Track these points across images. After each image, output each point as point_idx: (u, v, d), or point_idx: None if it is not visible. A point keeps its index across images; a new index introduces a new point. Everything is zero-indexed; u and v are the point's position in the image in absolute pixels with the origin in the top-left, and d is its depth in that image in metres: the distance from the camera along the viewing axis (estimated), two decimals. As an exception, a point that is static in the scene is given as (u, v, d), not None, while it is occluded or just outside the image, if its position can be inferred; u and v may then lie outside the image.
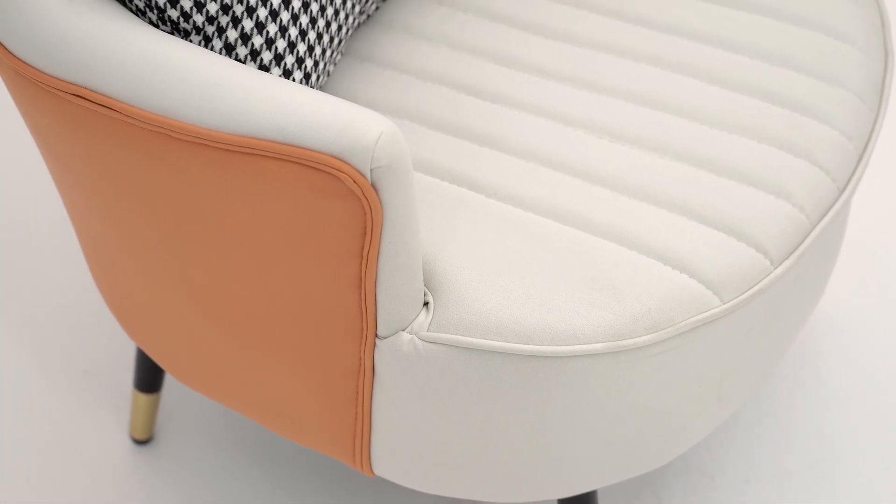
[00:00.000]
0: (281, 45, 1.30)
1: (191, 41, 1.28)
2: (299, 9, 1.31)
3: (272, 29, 1.29)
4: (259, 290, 1.27)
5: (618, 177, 1.34)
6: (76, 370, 1.83)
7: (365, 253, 1.17)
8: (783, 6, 1.53)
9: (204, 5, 1.26)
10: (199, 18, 1.27)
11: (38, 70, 1.23)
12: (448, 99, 1.44)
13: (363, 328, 1.24)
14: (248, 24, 1.28)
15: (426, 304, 1.25)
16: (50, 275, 1.96)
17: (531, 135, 1.39)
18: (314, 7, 1.33)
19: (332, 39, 1.37)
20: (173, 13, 1.27)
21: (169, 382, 1.82)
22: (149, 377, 1.70)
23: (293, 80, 1.32)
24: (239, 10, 1.27)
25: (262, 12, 1.28)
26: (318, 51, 1.34)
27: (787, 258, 1.31)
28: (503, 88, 1.44)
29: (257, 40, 1.29)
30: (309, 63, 1.33)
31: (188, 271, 1.31)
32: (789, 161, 1.36)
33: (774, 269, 1.30)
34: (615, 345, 1.22)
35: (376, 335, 1.25)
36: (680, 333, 1.24)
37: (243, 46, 1.29)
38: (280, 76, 1.30)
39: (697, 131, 1.39)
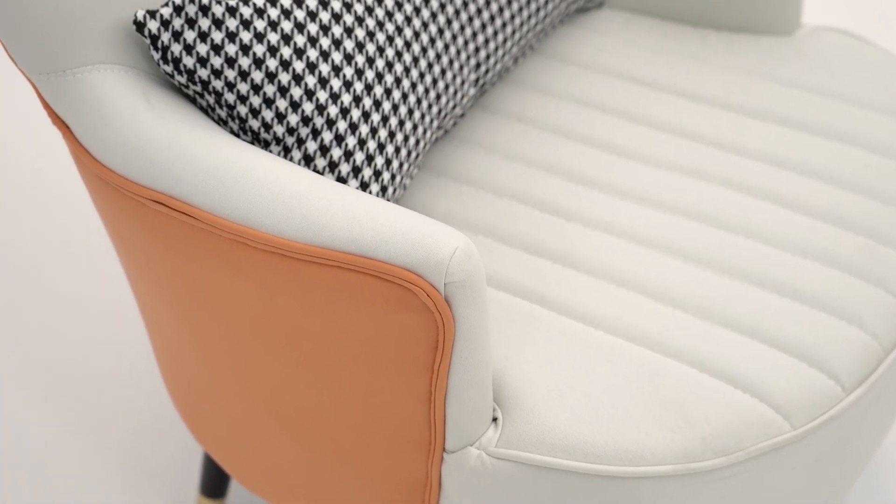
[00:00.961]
0: (359, 157, 1.32)
1: (270, 151, 1.30)
2: (378, 122, 1.33)
3: (351, 142, 1.31)
4: (329, 398, 1.27)
5: (690, 298, 1.34)
6: (143, 473, 1.84)
7: (436, 367, 1.17)
8: (859, 132, 1.53)
9: (285, 116, 1.28)
10: (279, 129, 1.29)
11: (120, 176, 1.26)
12: (522, 215, 1.45)
13: (431, 441, 1.24)
14: (327, 136, 1.30)
15: (495, 419, 1.25)
16: (119, 377, 1.97)
17: (604, 253, 1.39)
18: (393, 121, 1.35)
19: (409, 153, 1.39)
20: (254, 123, 1.29)
21: (234, 487, 1.82)
22: (215, 482, 1.70)
23: (370, 192, 1.33)
24: (319, 122, 1.30)
25: (342, 125, 1.30)
26: (395, 164, 1.36)
27: (860, 386, 1.30)
28: (577, 206, 1.45)
29: (336, 152, 1.31)
30: (386, 176, 1.35)
31: (260, 377, 1.32)
32: (863, 288, 1.36)
33: (846, 396, 1.29)
34: (684, 467, 1.21)
35: (444, 449, 1.24)
36: (749, 458, 1.23)
37: (322, 158, 1.31)
38: (357, 188, 1.31)
39: (771, 255, 1.38)
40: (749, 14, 1.65)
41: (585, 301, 1.34)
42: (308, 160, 1.30)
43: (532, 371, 1.26)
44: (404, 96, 1.37)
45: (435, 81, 1.41)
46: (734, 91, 1.58)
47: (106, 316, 2.07)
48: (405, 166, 1.38)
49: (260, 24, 1.28)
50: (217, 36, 1.27)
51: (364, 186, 1.33)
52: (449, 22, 1.42)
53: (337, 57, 1.30)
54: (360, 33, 1.33)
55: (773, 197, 1.45)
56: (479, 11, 1.46)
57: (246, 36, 1.27)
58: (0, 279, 2.03)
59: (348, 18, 1.32)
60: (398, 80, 1.36)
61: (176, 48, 1.27)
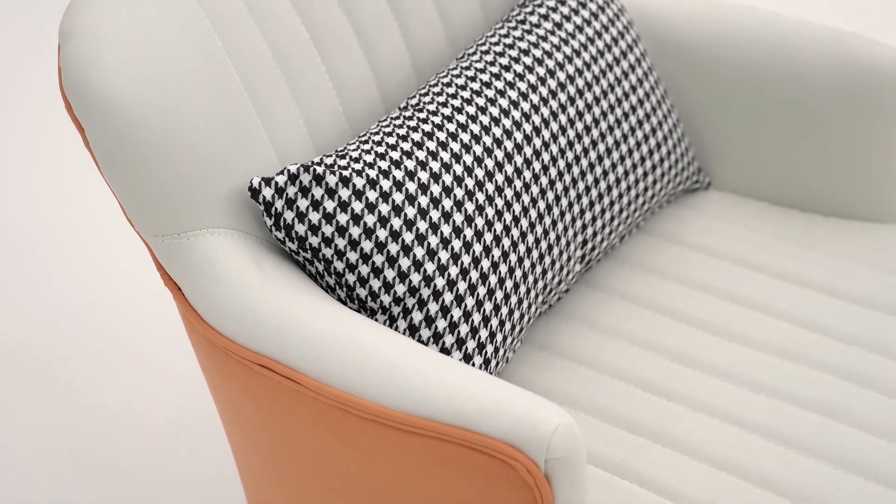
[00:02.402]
0: (464, 329, 1.33)
1: (377, 320, 1.32)
2: (484, 295, 1.34)
3: (456, 314, 1.32)
4: (422, 572, 1.26)
5: (790, 484, 1.32)
6: None
7: (533, 543, 1.16)
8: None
9: (392, 286, 1.30)
10: (386, 299, 1.31)
11: (229, 339, 1.28)
12: (623, 393, 1.44)
13: None
14: (433, 308, 1.31)
15: None
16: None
17: (705, 434, 1.38)
18: (499, 295, 1.36)
19: (513, 327, 1.39)
20: (362, 292, 1.31)
21: None
22: None
23: (473, 364, 1.34)
24: (426, 293, 1.31)
25: (448, 297, 1.32)
26: (499, 337, 1.37)
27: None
28: (679, 386, 1.44)
29: (441, 323, 1.32)
30: (489, 349, 1.36)
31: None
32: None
33: None
34: None
35: None
36: None
37: (427, 329, 1.32)
38: (460, 360, 1.32)
39: (875, 444, 1.36)
40: (857, 201, 1.65)
41: (685, 482, 1.32)
42: (413, 330, 1.31)
43: (630, 552, 1.25)
44: (511, 270, 1.38)
45: (542, 257, 1.43)
46: (840, 277, 1.57)
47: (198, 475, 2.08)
48: (509, 339, 1.39)
49: (372, 195, 1.30)
50: (329, 205, 1.30)
51: (468, 358, 1.33)
52: (558, 199, 1.44)
53: (446, 229, 1.32)
54: (469, 207, 1.35)
55: (878, 386, 1.44)
56: (587, 189, 1.47)
57: (358, 206, 1.30)
58: (99, 433, 2.05)
59: (458, 192, 1.34)
60: (505, 255, 1.37)
61: (289, 215, 1.30)
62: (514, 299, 1.39)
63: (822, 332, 1.51)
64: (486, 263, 1.35)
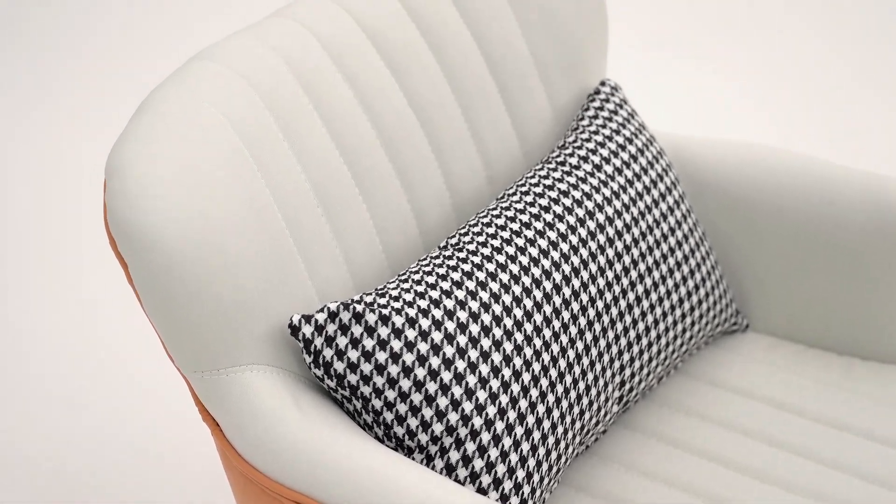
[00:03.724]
0: (501, 469, 1.33)
1: (413, 459, 1.31)
2: (522, 436, 1.34)
3: (493, 453, 1.32)
4: None
5: None
6: None
7: None
8: None
9: (430, 425, 1.30)
10: (423, 438, 1.30)
11: (265, 475, 1.28)
12: (661, 536, 1.43)
13: None
14: (470, 447, 1.31)
15: None
16: None
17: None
18: (536, 435, 1.36)
19: (550, 467, 1.39)
20: (399, 430, 1.31)
21: None
22: None
23: (509, 505, 1.33)
24: (463, 432, 1.31)
25: (486, 436, 1.31)
26: (536, 478, 1.36)
27: None
28: (718, 531, 1.43)
29: (478, 463, 1.31)
30: (526, 489, 1.35)
31: None
32: None
33: None
34: None
35: None
36: None
37: (464, 468, 1.31)
38: (497, 500, 1.31)
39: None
40: (896, 344, 1.64)
41: None
42: (450, 470, 1.31)
43: None
44: (548, 411, 1.38)
45: (579, 397, 1.42)
46: (882, 421, 1.56)
47: None
48: (545, 480, 1.38)
49: (411, 334, 1.31)
50: (368, 343, 1.30)
51: (504, 499, 1.33)
52: (596, 340, 1.44)
53: (484, 369, 1.33)
54: (508, 347, 1.35)
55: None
56: (625, 331, 1.48)
57: (396, 344, 1.30)
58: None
59: (497, 332, 1.35)
60: (543, 395, 1.37)
61: (328, 353, 1.31)
62: (551, 439, 1.38)
63: (863, 478, 1.49)
64: (523, 403, 1.35)
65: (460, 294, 1.35)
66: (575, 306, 1.42)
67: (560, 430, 1.40)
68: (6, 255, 2.61)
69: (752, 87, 2.95)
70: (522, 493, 1.34)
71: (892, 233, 1.60)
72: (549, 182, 1.48)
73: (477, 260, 1.38)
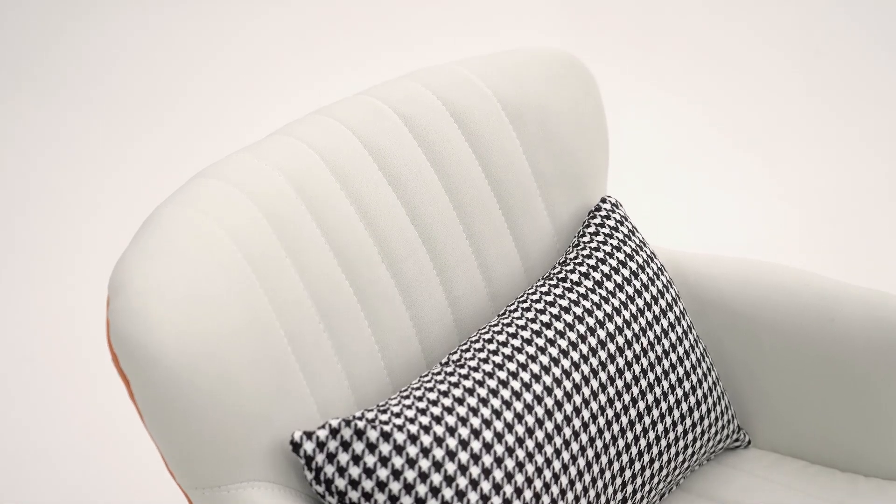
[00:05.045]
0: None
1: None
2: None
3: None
4: None
5: None
6: None
7: None
8: None
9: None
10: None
11: None
12: None
13: None
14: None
15: None
16: None
17: None
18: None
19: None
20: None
21: None
22: None
23: None
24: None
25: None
26: None
27: None
28: None
29: None
30: None
31: None
32: None
33: None
34: None
35: None
36: None
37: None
38: None
39: None
40: (899, 460, 1.64)
41: None
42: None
43: None
44: (550, 529, 1.37)
45: (581, 515, 1.42)
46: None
47: None
48: None
49: (412, 450, 1.31)
50: (370, 459, 1.30)
51: None
52: (597, 455, 1.43)
53: (486, 486, 1.32)
54: (510, 463, 1.35)
55: None
56: (627, 447, 1.47)
57: (398, 461, 1.30)
58: None
59: (499, 448, 1.34)
60: (545, 512, 1.37)
61: (329, 469, 1.30)
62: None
63: None
64: (525, 521, 1.35)
65: (462, 410, 1.35)
66: (577, 423, 1.42)
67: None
68: (7, 372, 2.60)
69: (753, 200, 2.97)
70: None
71: (894, 349, 1.60)
72: (549, 298, 1.49)
73: (478, 376, 1.39)
